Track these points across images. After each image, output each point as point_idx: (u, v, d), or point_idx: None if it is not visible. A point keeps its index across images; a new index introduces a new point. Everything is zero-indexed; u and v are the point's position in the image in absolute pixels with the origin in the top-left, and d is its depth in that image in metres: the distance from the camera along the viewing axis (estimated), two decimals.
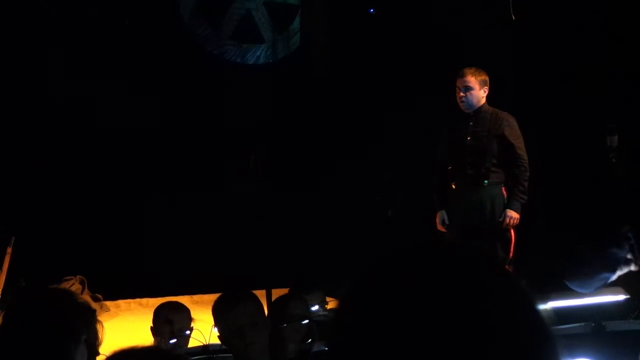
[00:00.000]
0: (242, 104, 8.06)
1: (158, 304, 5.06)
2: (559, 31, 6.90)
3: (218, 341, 3.77)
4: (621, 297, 5.12)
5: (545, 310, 0.97)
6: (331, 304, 5.74)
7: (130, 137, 7.85)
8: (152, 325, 4.74)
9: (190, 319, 4.81)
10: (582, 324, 5.07)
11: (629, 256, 3.48)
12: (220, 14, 8.61)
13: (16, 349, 2.13)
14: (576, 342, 4.69)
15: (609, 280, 3.58)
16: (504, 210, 5.89)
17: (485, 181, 5.93)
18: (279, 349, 3.71)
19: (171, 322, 4.68)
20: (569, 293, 5.33)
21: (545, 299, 4.64)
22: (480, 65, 6.05)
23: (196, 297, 7.62)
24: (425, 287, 0.93)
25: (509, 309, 0.94)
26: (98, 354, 2.21)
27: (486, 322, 0.91)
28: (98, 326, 2.36)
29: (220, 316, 3.53)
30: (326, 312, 5.53)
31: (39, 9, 7.42)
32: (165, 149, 8.05)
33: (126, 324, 6.61)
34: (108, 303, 7.35)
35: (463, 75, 5.96)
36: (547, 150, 6.64)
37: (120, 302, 7.59)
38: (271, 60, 8.78)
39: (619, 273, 3.58)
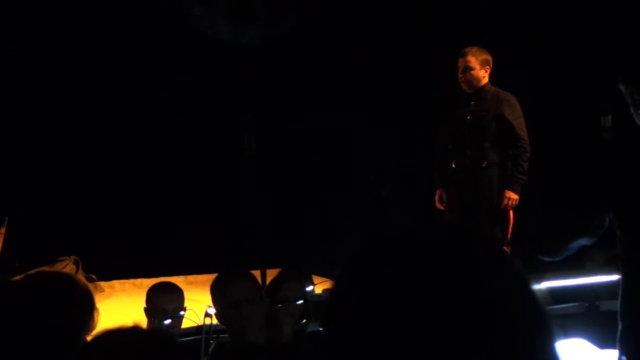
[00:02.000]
0: (235, 84, 8.02)
1: (151, 285, 5.07)
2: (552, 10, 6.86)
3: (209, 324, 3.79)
4: (615, 277, 5.14)
5: (540, 290, 0.97)
6: (321, 285, 5.73)
7: (121, 121, 7.81)
8: (145, 306, 4.75)
9: (183, 300, 4.81)
10: (577, 303, 5.10)
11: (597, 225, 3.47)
12: None
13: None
14: (570, 321, 4.71)
15: (576, 247, 3.57)
16: (502, 191, 5.88)
17: (484, 161, 5.91)
18: (274, 330, 3.73)
19: (164, 303, 4.69)
20: (563, 273, 5.35)
21: (540, 279, 4.65)
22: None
23: (191, 277, 7.63)
24: (419, 267, 0.93)
25: (504, 289, 0.94)
26: (80, 342, 2.16)
27: (480, 302, 0.91)
28: (94, 312, 2.31)
29: (217, 292, 3.60)
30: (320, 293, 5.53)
31: None
32: (157, 130, 8.01)
33: (120, 305, 6.62)
34: (102, 284, 7.35)
35: (464, 55, 5.95)
36: (541, 131, 6.62)
37: (115, 282, 7.59)
38: (266, 40, 8.72)
39: (585, 241, 3.56)
